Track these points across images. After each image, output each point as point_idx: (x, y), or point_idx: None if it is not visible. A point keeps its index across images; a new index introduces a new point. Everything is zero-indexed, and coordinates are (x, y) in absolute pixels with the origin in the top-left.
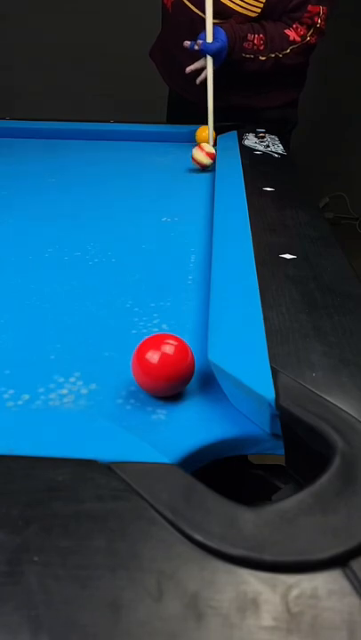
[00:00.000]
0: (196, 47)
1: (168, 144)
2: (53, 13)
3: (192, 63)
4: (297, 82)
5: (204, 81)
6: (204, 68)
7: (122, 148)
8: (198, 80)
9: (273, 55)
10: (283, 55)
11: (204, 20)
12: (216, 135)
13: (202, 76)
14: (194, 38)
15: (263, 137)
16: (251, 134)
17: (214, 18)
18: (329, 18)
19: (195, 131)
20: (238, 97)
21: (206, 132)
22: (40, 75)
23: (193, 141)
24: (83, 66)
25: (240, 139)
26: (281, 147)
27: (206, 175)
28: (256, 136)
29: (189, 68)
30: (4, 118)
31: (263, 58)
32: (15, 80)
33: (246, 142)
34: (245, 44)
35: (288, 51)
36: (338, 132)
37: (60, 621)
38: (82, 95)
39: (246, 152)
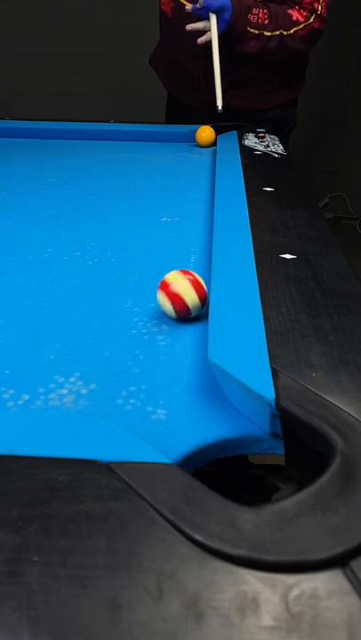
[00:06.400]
0: (198, 6)
1: (168, 144)
2: (54, 13)
3: (195, 66)
4: (297, 80)
5: (205, 58)
6: (205, 31)
7: (122, 148)
8: (200, 40)
9: (278, 33)
10: (287, 35)
11: None
12: (217, 133)
13: (204, 36)
14: (196, 41)
15: (263, 137)
16: (251, 134)
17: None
18: (330, 9)
19: (195, 131)
20: (239, 100)
21: (206, 132)
22: (40, 75)
23: (193, 141)
24: (83, 66)
25: (240, 139)
26: (281, 147)
27: (206, 175)
28: (256, 136)
29: (190, 27)
30: (3, 118)
31: (268, 34)
32: (15, 80)
33: (246, 142)
34: (250, 17)
35: (292, 31)
36: (337, 132)
37: (60, 621)
38: (82, 95)
39: (246, 152)
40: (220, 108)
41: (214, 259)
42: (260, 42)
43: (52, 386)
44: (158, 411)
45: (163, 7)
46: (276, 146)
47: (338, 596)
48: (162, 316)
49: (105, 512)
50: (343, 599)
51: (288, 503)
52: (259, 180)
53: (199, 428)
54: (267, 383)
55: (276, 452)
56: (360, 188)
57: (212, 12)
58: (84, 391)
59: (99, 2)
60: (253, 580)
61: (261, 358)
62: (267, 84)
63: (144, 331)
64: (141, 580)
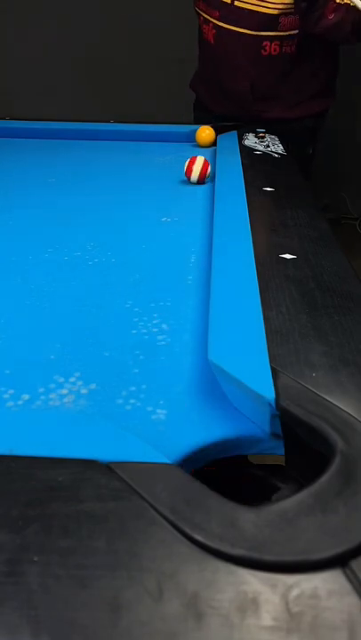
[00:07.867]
0: None
1: (168, 144)
2: (54, 13)
3: (242, 84)
4: (329, 90)
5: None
6: None
7: (122, 148)
8: None
9: (353, 4)
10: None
11: (252, 37)
12: (217, 133)
13: None
14: (246, 57)
15: (263, 137)
16: (251, 134)
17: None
18: None
19: (195, 131)
20: (276, 110)
21: (206, 132)
22: (40, 75)
23: (193, 141)
24: (83, 66)
25: (240, 139)
26: (281, 147)
27: None
28: (256, 136)
29: None
30: (3, 118)
31: (352, 3)
32: (15, 80)
33: (246, 142)
34: None
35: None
36: (338, 132)
37: (60, 621)
38: (82, 95)
39: (246, 152)
40: None
41: (214, 259)
42: (340, 13)
43: (52, 386)
44: (158, 411)
45: (205, 37)
46: (276, 146)
47: (338, 596)
48: (162, 315)
49: (105, 512)
50: (343, 599)
51: (288, 503)
52: (259, 179)
53: (199, 428)
54: (267, 383)
55: (276, 452)
56: (360, 188)
57: None
58: (84, 391)
59: (99, 2)
60: (253, 580)
61: (261, 358)
62: (301, 92)
63: (144, 331)
64: (141, 579)
